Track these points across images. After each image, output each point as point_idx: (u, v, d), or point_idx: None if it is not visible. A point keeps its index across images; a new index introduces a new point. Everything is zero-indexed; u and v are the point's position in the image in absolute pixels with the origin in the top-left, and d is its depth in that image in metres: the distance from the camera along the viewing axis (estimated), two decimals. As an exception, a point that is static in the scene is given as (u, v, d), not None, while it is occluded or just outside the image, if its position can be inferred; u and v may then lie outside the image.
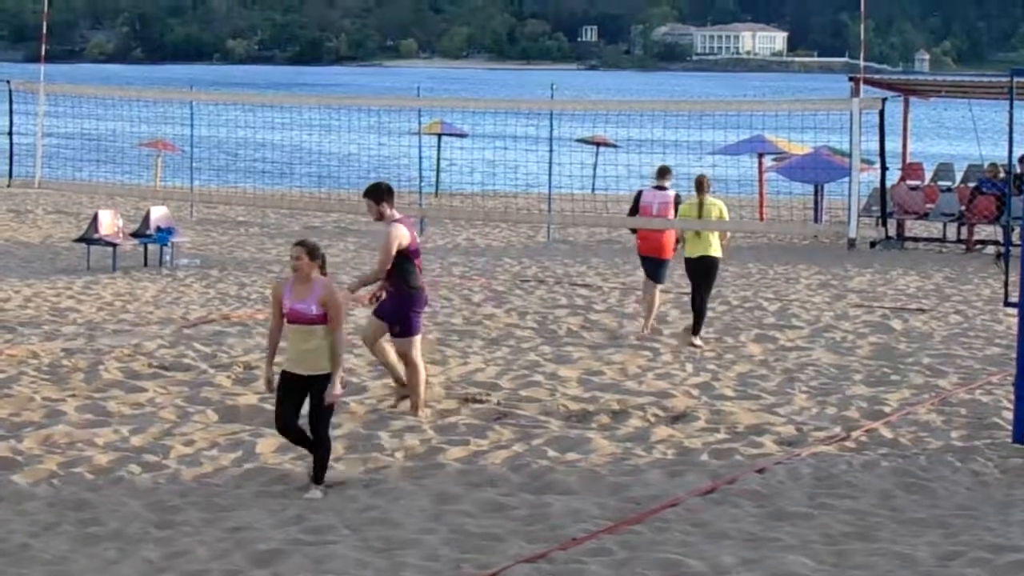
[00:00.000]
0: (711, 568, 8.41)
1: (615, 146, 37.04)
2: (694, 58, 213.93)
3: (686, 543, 8.85)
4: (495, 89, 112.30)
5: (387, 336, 12.24)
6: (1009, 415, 11.94)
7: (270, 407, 12.29)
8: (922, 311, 18.57)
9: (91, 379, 13.44)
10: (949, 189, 27.53)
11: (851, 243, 25.22)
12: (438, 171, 37.69)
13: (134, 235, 22.42)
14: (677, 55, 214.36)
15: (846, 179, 24.33)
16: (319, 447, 9.86)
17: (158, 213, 22.84)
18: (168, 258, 22.25)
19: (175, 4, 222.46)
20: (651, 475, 10.45)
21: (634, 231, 17.55)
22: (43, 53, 28.36)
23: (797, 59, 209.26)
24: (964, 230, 26.61)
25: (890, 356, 15.28)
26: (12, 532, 8.97)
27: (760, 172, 30.87)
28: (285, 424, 9.89)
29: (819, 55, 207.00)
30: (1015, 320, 12.84)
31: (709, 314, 17.77)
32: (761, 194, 30.51)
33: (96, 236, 22.05)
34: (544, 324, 17.06)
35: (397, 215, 12.10)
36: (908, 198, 26.79)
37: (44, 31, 30.98)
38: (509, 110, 28.96)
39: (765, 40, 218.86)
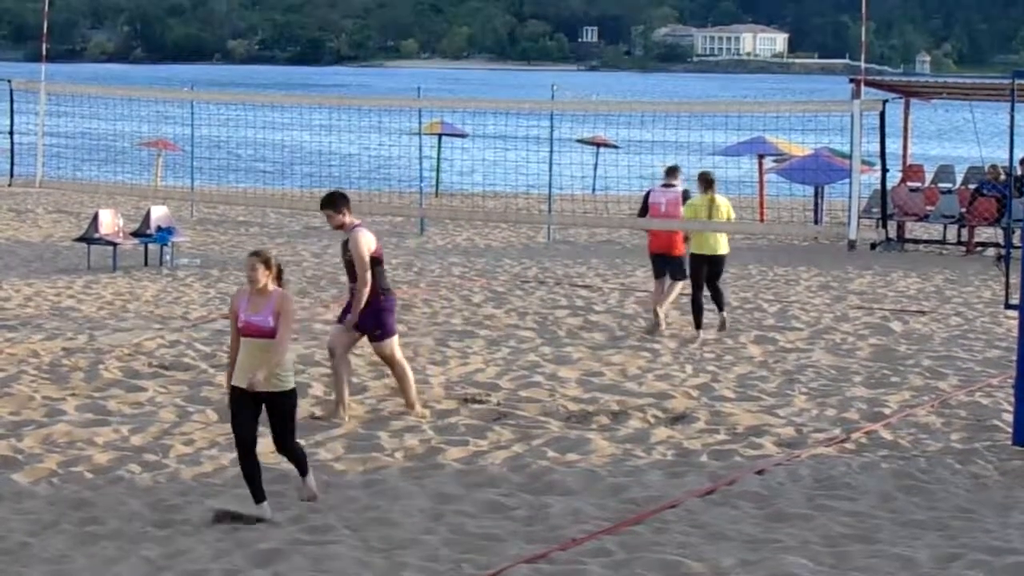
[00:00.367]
0: (711, 569, 8.41)
1: (615, 147, 37.04)
2: (695, 59, 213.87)
3: (686, 544, 8.86)
4: (496, 89, 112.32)
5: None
6: (1009, 417, 11.95)
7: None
8: (922, 313, 18.57)
9: (91, 378, 13.44)
10: (950, 191, 27.52)
11: (851, 245, 25.22)
12: (438, 171, 37.69)
13: (134, 235, 22.42)
14: (678, 56, 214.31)
15: (846, 181, 24.36)
16: (295, 458, 9.57)
17: (158, 213, 22.85)
18: (168, 258, 22.25)
19: (176, 4, 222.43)
20: (651, 476, 10.46)
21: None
22: (44, 53, 28.41)
23: (798, 60, 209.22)
24: (965, 232, 26.60)
25: (890, 358, 15.29)
26: (12, 531, 8.98)
27: (760, 173, 30.88)
28: (242, 437, 9.30)
29: (820, 56, 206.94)
30: (1015, 322, 12.85)
31: (709, 315, 17.81)
32: (761, 195, 30.51)
33: (97, 235, 22.05)
34: (544, 325, 17.06)
35: (356, 221, 12.02)
36: (908, 200, 26.79)
37: (45, 31, 31.03)
38: (510, 110, 28.96)
39: (766, 41, 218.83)
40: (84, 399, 12.63)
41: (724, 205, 16.45)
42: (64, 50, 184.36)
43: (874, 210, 26.08)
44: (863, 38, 33.37)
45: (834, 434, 11.82)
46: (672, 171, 17.34)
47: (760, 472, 10.58)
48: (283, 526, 9.16)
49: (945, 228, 27.08)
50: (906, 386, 13.85)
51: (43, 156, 25.38)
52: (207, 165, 33.22)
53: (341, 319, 12.15)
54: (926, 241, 27.32)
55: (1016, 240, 22.90)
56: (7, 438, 11.22)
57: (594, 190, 34.81)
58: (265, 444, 11.14)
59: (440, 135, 36.75)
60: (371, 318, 11.93)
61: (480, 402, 12.76)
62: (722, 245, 16.35)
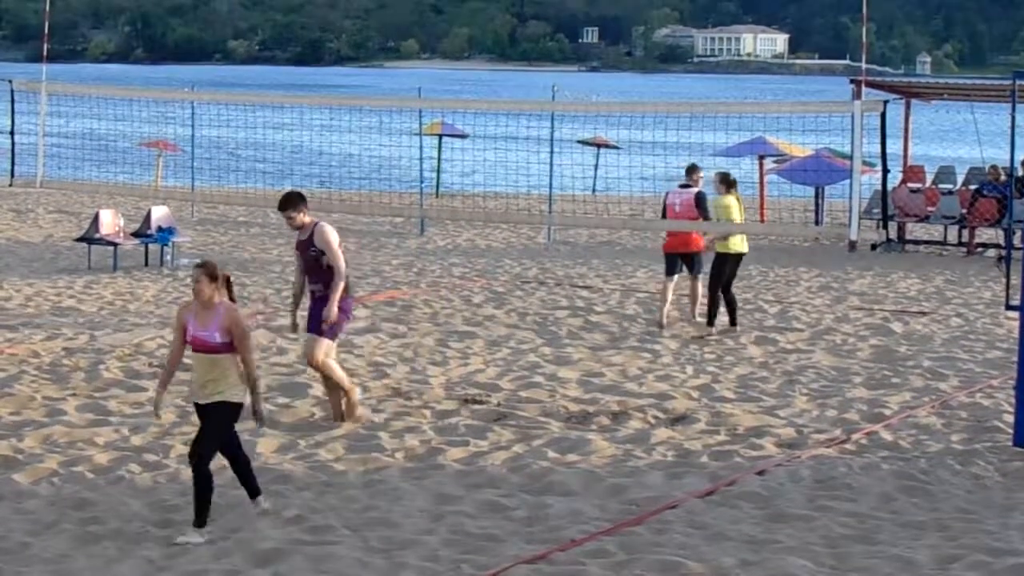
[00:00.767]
0: (711, 570, 8.41)
1: (616, 148, 37.05)
2: (695, 60, 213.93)
3: (686, 545, 8.85)
4: (496, 90, 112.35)
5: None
6: (1010, 418, 11.95)
7: (271, 407, 12.32)
8: (923, 314, 18.57)
9: (92, 378, 13.44)
10: (950, 192, 27.52)
11: (852, 245, 25.22)
12: (439, 172, 37.70)
13: (135, 235, 22.42)
14: (678, 57, 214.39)
15: (847, 181, 24.36)
16: (199, 482, 8.98)
17: (159, 213, 22.85)
18: (169, 258, 22.25)
19: (176, 4, 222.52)
20: (651, 477, 10.45)
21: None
22: (45, 53, 28.42)
23: (798, 61, 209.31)
24: (965, 233, 26.60)
25: (890, 359, 15.28)
26: (12, 530, 8.98)
27: (761, 174, 30.88)
28: (195, 453, 9.07)
29: (820, 57, 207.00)
30: (1016, 323, 12.85)
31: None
32: (762, 196, 30.51)
33: (97, 236, 22.06)
34: (544, 325, 17.06)
35: (314, 218, 11.84)
36: (909, 201, 26.79)
37: (46, 31, 31.04)
38: (510, 111, 28.97)
39: (766, 42, 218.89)
40: (84, 399, 12.63)
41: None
42: (65, 50, 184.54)
43: (875, 211, 26.08)
44: (864, 39, 33.40)
45: (834, 435, 11.82)
46: (691, 170, 17.40)
47: (760, 473, 10.58)
48: (283, 526, 9.16)
49: (946, 229, 27.08)
50: (907, 387, 13.84)
51: (44, 156, 25.37)
52: (207, 165, 33.23)
53: (310, 328, 11.78)
54: (927, 242, 27.32)
55: (1017, 241, 22.91)
56: (8, 438, 11.22)
57: (594, 191, 34.82)
58: (265, 445, 11.17)
59: (440, 136, 36.77)
60: (321, 312, 11.62)
61: (480, 403, 12.76)
62: (745, 244, 16.99)
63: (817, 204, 29.09)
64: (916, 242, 27.18)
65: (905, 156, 29.12)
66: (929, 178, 29.12)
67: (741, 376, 14.26)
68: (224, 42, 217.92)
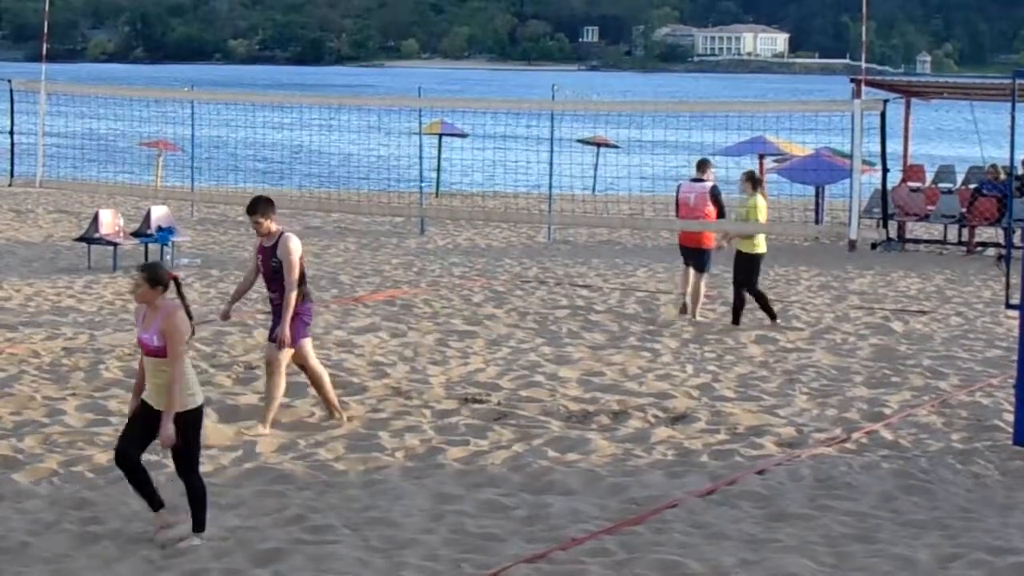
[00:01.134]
0: (711, 569, 8.41)
1: (616, 147, 37.04)
2: (695, 59, 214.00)
3: (686, 544, 8.85)
4: (496, 89, 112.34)
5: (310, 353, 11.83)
6: (1010, 417, 11.94)
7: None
8: (923, 313, 18.57)
9: (92, 378, 13.44)
10: (950, 191, 27.53)
11: (852, 245, 25.22)
12: (439, 171, 37.69)
13: (135, 234, 22.42)
14: (678, 56, 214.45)
15: (847, 181, 24.34)
16: (191, 491, 8.83)
17: (159, 212, 22.85)
18: (169, 258, 22.25)
19: (176, 3, 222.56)
20: (651, 476, 10.45)
21: None
22: (44, 52, 28.36)
23: (798, 60, 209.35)
24: (965, 232, 26.60)
25: (891, 358, 15.28)
26: (12, 530, 8.97)
27: (761, 173, 30.85)
28: (122, 450, 8.79)
29: (820, 56, 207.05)
30: (1016, 322, 12.86)
31: (711, 315, 17.83)
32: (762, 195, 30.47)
33: (97, 235, 22.06)
34: (544, 324, 17.06)
35: (281, 227, 11.70)
36: (909, 200, 26.79)
37: (45, 30, 30.99)
38: (510, 110, 28.94)
39: (766, 41, 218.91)
40: (84, 399, 12.63)
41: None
42: (65, 50, 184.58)
43: (875, 210, 26.05)
44: (864, 38, 33.34)
45: (835, 434, 11.82)
46: (702, 165, 17.67)
47: (761, 472, 10.58)
48: (283, 525, 9.16)
49: (946, 228, 27.08)
50: (907, 386, 13.84)
51: (43, 156, 25.34)
52: (207, 165, 33.23)
53: (272, 336, 11.65)
54: (927, 241, 27.33)
55: (1017, 240, 22.91)
56: (8, 438, 11.22)
57: (594, 190, 34.82)
58: (265, 445, 11.16)
59: (440, 135, 36.77)
60: (275, 332, 11.50)
61: (480, 402, 12.76)
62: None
63: (817, 203, 29.09)
64: (916, 241, 27.18)
65: (905, 155, 29.12)
66: (929, 177, 29.13)
67: (741, 375, 14.26)
68: (224, 42, 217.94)
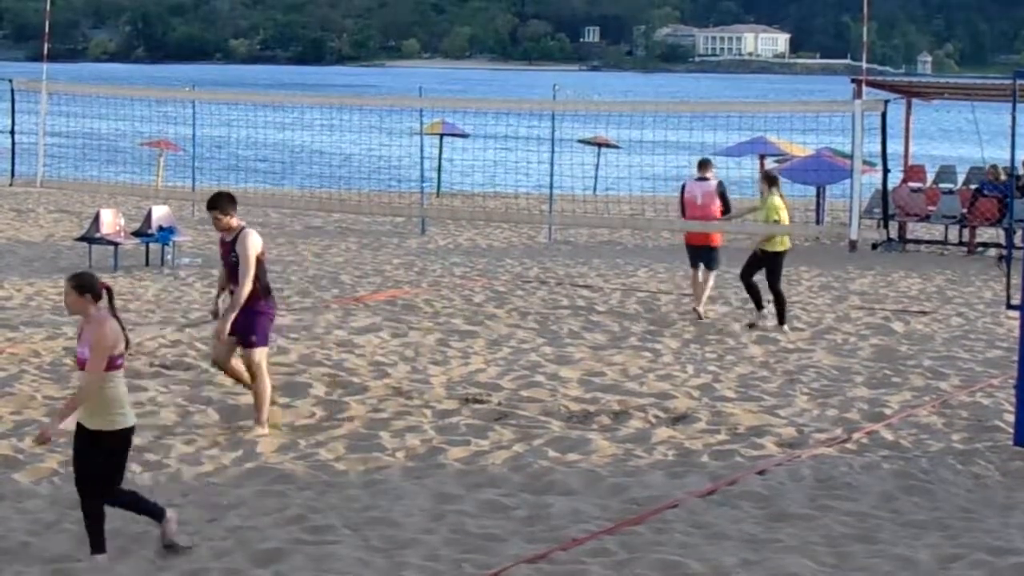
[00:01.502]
0: (711, 569, 8.41)
1: (617, 147, 37.04)
2: (696, 59, 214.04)
3: (686, 544, 8.85)
4: (497, 89, 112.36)
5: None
6: (1010, 418, 11.94)
7: (272, 407, 12.31)
8: (924, 313, 18.57)
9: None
10: (951, 191, 27.53)
11: (852, 245, 25.21)
12: (440, 171, 37.71)
13: (136, 234, 22.42)
14: (679, 56, 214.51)
15: (848, 181, 24.35)
16: (85, 512, 8.43)
17: (160, 212, 22.85)
18: (170, 257, 22.25)
19: (177, 3, 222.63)
20: (652, 476, 10.45)
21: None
22: (45, 52, 28.39)
23: (799, 61, 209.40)
24: (966, 232, 26.61)
25: (891, 358, 15.28)
26: (13, 530, 8.98)
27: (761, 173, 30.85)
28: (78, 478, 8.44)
29: (821, 57, 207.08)
30: (1016, 323, 12.85)
31: (711, 315, 17.84)
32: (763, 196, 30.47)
33: (98, 235, 22.06)
34: (545, 325, 17.07)
35: (242, 222, 11.68)
36: (910, 200, 26.79)
37: (46, 30, 31.03)
38: (511, 110, 28.95)
39: (767, 41, 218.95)
40: (85, 399, 12.61)
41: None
42: (66, 50, 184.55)
43: (875, 210, 26.06)
44: (864, 38, 33.35)
45: (835, 434, 11.81)
46: (704, 164, 18.06)
47: (761, 472, 10.58)
48: (284, 525, 9.16)
49: (946, 228, 27.08)
50: (907, 386, 13.84)
51: (44, 156, 25.36)
52: (208, 165, 33.24)
53: (232, 333, 11.53)
54: (927, 241, 27.33)
55: (1017, 240, 22.91)
56: (8, 437, 11.22)
57: (595, 190, 34.81)
58: (266, 444, 11.17)
59: (441, 135, 36.78)
60: (249, 321, 11.41)
61: (481, 402, 12.76)
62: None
63: (818, 203, 29.09)
64: (917, 241, 27.18)
65: (906, 156, 29.12)
66: (930, 177, 29.13)
67: (742, 375, 14.26)
68: (225, 41, 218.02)
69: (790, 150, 29.66)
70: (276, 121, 32.27)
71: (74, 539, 8.83)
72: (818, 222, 28.19)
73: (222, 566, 8.37)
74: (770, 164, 30.52)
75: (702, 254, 17.80)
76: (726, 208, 17.94)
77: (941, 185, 28.56)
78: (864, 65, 30.41)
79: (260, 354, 11.53)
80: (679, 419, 12.30)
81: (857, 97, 23.51)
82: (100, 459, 8.37)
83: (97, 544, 8.40)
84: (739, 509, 9.66)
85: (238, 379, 11.82)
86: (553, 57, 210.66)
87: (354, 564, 8.41)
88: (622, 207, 26.34)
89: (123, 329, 8.47)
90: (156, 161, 35.71)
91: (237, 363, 11.71)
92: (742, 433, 11.83)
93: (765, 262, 17.15)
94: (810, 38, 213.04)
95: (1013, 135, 11.89)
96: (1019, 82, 11.96)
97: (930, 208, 26.79)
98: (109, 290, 8.53)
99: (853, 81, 25.75)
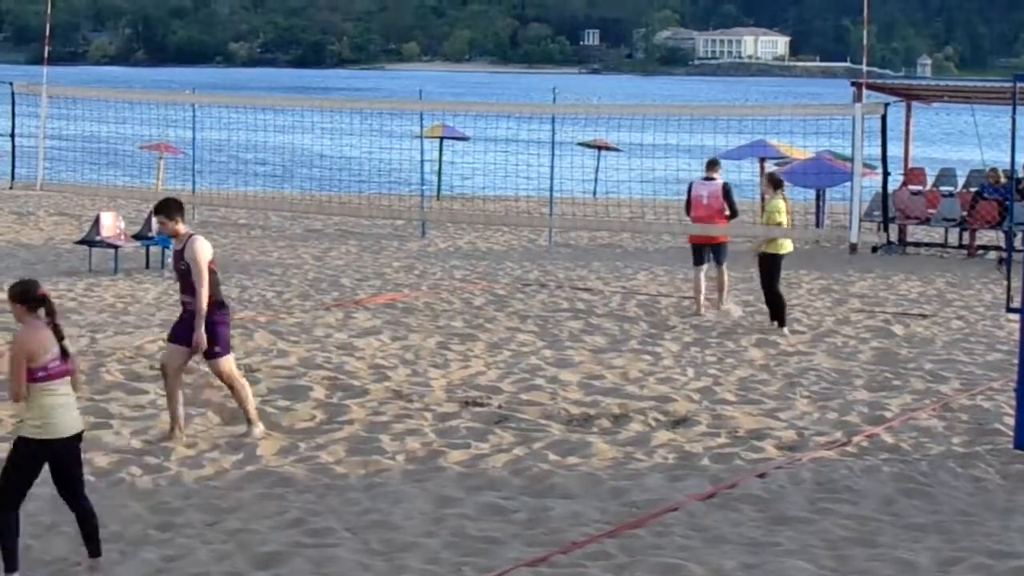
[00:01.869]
0: (711, 572, 8.41)
1: (617, 150, 37.05)
2: (696, 62, 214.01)
3: (686, 547, 8.85)
4: (497, 92, 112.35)
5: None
6: (1010, 421, 11.94)
7: (272, 410, 12.33)
8: (924, 316, 18.56)
9: (92, 381, 13.44)
10: (951, 194, 27.52)
11: (853, 248, 25.22)
12: (440, 174, 37.71)
13: (136, 237, 22.43)
14: (679, 59, 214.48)
15: (848, 184, 24.36)
16: (84, 517, 8.32)
17: (160, 215, 22.82)
18: (170, 260, 22.23)
19: (177, 6, 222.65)
20: (652, 479, 10.45)
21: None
22: (46, 55, 28.39)
23: (799, 64, 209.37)
24: (966, 235, 26.61)
25: (891, 361, 15.28)
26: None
27: (761, 176, 30.85)
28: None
29: (821, 60, 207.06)
30: (1017, 326, 12.85)
31: (712, 318, 17.85)
32: (763, 198, 30.49)
33: (98, 238, 22.07)
34: (545, 328, 17.06)
35: (190, 230, 11.55)
36: (910, 203, 26.79)
37: (47, 33, 31.03)
38: (511, 114, 28.96)
39: (767, 44, 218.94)
40: (85, 402, 12.61)
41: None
42: (66, 53, 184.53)
43: (875, 213, 26.07)
44: (864, 41, 33.34)
45: (835, 437, 11.81)
46: (712, 164, 18.41)
47: (761, 475, 10.58)
48: (284, 528, 9.16)
49: (946, 231, 27.08)
50: (907, 389, 13.84)
51: (44, 159, 25.36)
52: (209, 168, 33.23)
53: (173, 338, 11.45)
54: (927, 244, 27.32)
55: (1017, 243, 22.90)
56: (8, 440, 11.20)
57: (595, 193, 34.82)
58: (266, 447, 11.17)
59: (441, 138, 36.78)
60: (208, 333, 11.19)
61: (481, 405, 12.76)
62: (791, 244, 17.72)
63: (818, 206, 29.09)
64: (917, 244, 27.18)
65: (906, 158, 29.12)
66: (930, 180, 29.12)
67: (742, 378, 14.26)
68: (225, 44, 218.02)
69: (790, 153, 29.66)
70: (276, 124, 32.23)
71: (74, 542, 8.83)
72: (818, 225, 28.19)
73: (222, 569, 8.37)
74: (770, 167, 30.53)
75: (708, 250, 18.07)
76: (731, 210, 18.07)
77: (941, 188, 28.55)
78: (864, 68, 30.40)
79: (226, 363, 11.36)
80: (679, 422, 12.30)
81: (857, 100, 23.53)
82: (8, 465, 8.20)
83: (9, 562, 8.09)
84: (739, 512, 9.66)
85: (171, 395, 11.42)
86: (553, 60, 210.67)
87: (354, 567, 8.41)
88: (622, 210, 26.35)
89: (60, 339, 8.22)
90: (156, 164, 35.72)
91: (179, 379, 11.42)
92: (742, 436, 11.83)
93: (765, 263, 17.16)
94: (810, 41, 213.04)
95: (1013, 138, 11.90)
96: (1019, 85, 11.96)
97: (930, 211, 26.79)
98: (45, 299, 8.22)
99: (853, 84, 25.76)
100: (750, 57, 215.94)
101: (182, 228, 11.43)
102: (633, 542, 8.96)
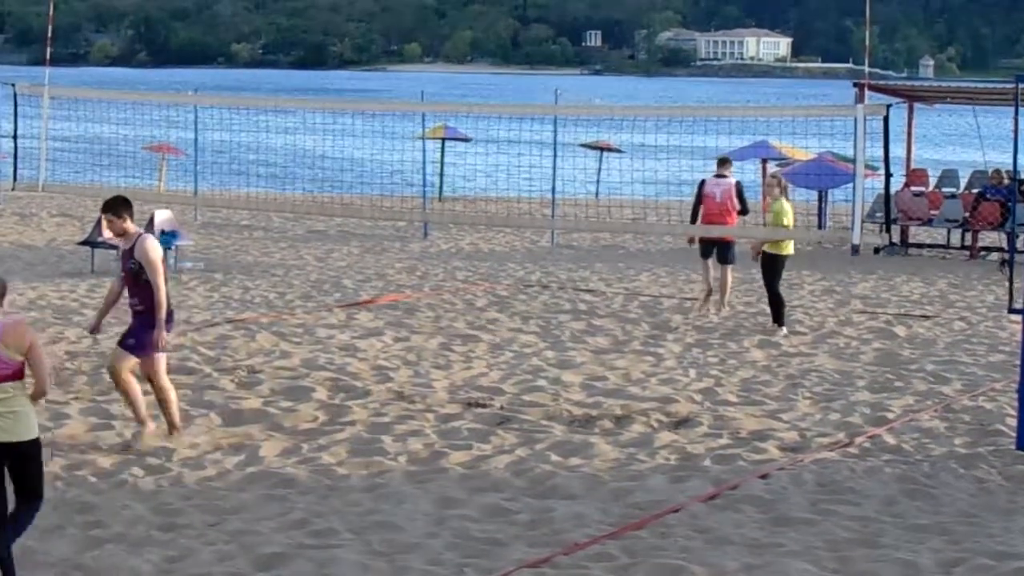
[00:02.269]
0: (714, 574, 8.40)
1: (619, 151, 37.07)
2: (698, 63, 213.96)
3: (689, 548, 8.85)
4: (499, 93, 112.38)
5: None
6: (1012, 422, 11.94)
7: (274, 411, 12.34)
8: (926, 317, 18.56)
9: (95, 382, 13.44)
10: (953, 195, 27.53)
11: (855, 249, 25.21)
12: (442, 175, 37.73)
13: (138, 238, 22.40)
14: (681, 60, 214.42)
15: (850, 185, 24.35)
16: (31, 512, 7.96)
17: (162, 216, 22.85)
18: (172, 261, 22.24)
19: (179, 8, 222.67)
20: (654, 480, 10.45)
21: (694, 220, 18.90)
22: (48, 56, 28.38)
23: (801, 65, 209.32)
24: (968, 236, 26.60)
25: (894, 362, 15.28)
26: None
27: (764, 178, 30.85)
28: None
29: (823, 61, 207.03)
30: (1019, 327, 12.85)
31: (715, 318, 17.85)
32: (765, 200, 30.48)
33: (100, 239, 22.06)
34: (548, 329, 17.07)
35: (139, 229, 11.38)
36: (912, 204, 26.79)
37: (49, 34, 31.02)
38: (513, 115, 28.95)
39: (769, 45, 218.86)
40: (88, 403, 12.63)
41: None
42: (68, 54, 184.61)
43: (878, 214, 26.04)
44: (867, 42, 33.34)
45: (838, 438, 11.81)
46: (724, 162, 18.83)
47: (763, 476, 10.57)
48: (286, 530, 9.16)
49: (949, 232, 27.09)
50: (910, 390, 13.84)
51: (47, 160, 25.37)
52: (211, 169, 33.23)
53: (122, 341, 11.33)
54: (930, 245, 27.32)
55: (1020, 244, 22.87)
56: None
57: (597, 194, 34.82)
58: (268, 448, 11.17)
59: (443, 139, 36.80)
60: (143, 331, 11.15)
61: (484, 406, 12.76)
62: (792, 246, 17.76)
63: (820, 208, 29.10)
64: (919, 245, 27.18)
65: (908, 160, 29.12)
66: (932, 182, 29.12)
67: (744, 379, 14.26)
68: (227, 46, 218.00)
69: (792, 154, 29.66)
70: (278, 125, 32.23)
71: (77, 543, 8.84)
72: (820, 226, 28.18)
73: (224, 570, 8.37)
74: (772, 168, 30.53)
75: (717, 249, 18.38)
76: (743, 208, 18.47)
77: (943, 189, 28.55)
78: (866, 69, 30.40)
79: (157, 362, 11.17)
80: (681, 423, 12.30)
81: (859, 101, 23.50)
82: None
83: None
84: (741, 513, 9.65)
85: (129, 398, 11.32)
86: (555, 61, 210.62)
87: (356, 568, 8.41)
88: (624, 211, 26.34)
89: None
90: (158, 165, 35.73)
91: (132, 379, 11.32)
92: (744, 437, 11.83)
93: (768, 263, 17.18)
94: (812, 42, 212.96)
95: (1015, 139, 11.89)
96: (1021, 86, 11.96)
97: (932, 212, 26.79)
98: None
99: (855, 85, 25.74)
100: (752, 58, 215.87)
101: (131, 227, 11.21)
102: (635, 543, 8.96)
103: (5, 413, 7.67)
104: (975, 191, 27.21)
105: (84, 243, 22.68)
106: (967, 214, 26.20)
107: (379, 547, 8.82)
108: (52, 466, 10.52)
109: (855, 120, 20.61)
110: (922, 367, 15.00)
